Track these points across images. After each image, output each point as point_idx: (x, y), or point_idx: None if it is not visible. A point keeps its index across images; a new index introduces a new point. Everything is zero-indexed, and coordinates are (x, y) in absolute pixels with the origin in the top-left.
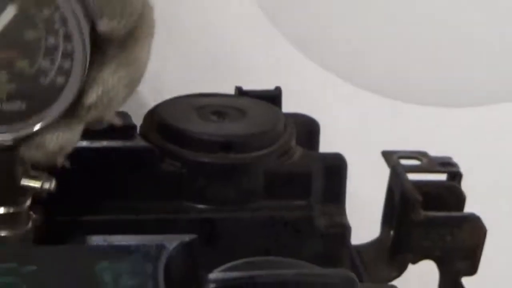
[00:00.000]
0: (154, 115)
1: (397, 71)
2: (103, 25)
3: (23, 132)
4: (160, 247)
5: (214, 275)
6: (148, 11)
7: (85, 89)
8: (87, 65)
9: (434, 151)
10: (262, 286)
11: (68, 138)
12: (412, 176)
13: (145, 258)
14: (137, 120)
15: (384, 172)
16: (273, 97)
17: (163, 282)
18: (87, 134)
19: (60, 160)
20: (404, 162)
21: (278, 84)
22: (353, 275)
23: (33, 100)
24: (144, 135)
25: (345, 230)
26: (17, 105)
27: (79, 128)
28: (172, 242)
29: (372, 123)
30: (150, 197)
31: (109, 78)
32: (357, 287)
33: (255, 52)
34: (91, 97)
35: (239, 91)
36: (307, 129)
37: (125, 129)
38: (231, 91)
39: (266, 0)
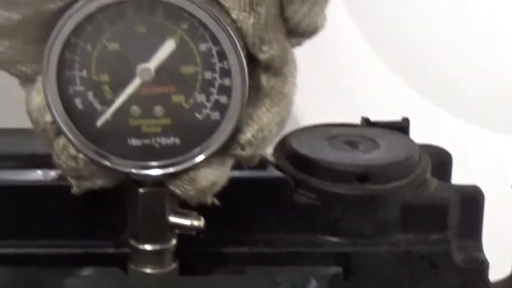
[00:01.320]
0: (285, 145)
1: None
2: (264, 53)
3: (176, 168)
4: (306, 280)
5: None
6: (290, 51)
7: (240, 126)
8: (246, 101)
9: None
10: None
11: (220, 174)
12: None
13: None
14: None
15: None
16: (402, 128)
17: None
18: None
19: (210, 197)
20: None
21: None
22: None
23: (187, 135)
24: (276, 164)
25: (484, 265)
26: (171, 140)
27: (230, 165)
28: (317, 275)
29: (503, 154)
30: (283, 229)
31: (264, 115)
32: None
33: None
34: (247, 135)
35: (366, 122)
36: (440, 160)
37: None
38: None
39: (378, 40)
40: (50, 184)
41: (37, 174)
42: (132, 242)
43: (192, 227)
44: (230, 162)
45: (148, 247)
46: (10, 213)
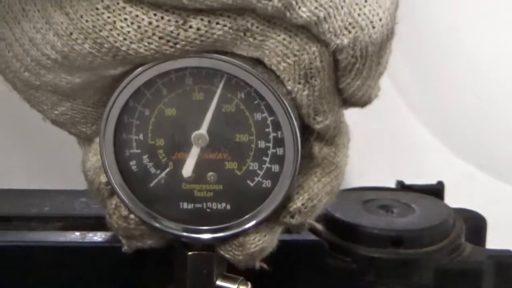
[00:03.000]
0: None
1: None
2: (318, 124)
3: (226, 233)
4: None
5: None
6: (343, 118)
7: (291, 194)
8: (297, 171)
9: None
10: None
11: (269, 241)
12: None
13: None
14: None
15: None
16: (436, 191)
17: None
18: None
19: (258, 262)
20: None
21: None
22: None
23: (238, 201)
24: (310, 228)
25: None
26: (223, 206)
27: (279, 232)
28: None
29: None
30: None
31: (315, 185)
32: None
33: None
34: (297, 203)
35: (401, 185)
36: (474, 224)
37: None
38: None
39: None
40: (92, 245)
41: (77, 236)
42: None
43: None
44: (279, 229)
45: None
46: (52, 272)
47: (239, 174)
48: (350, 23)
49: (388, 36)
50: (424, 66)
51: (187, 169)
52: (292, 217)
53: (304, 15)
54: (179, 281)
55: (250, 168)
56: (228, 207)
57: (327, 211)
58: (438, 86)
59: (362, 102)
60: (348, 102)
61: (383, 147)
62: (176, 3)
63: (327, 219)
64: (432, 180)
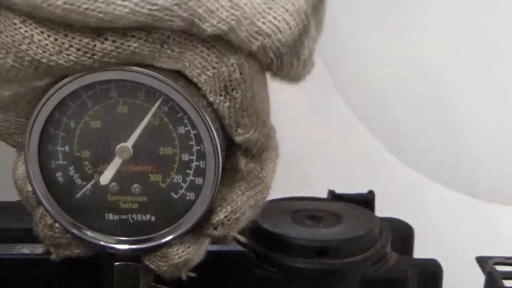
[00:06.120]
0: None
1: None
2: (239, 136)
3: (148, 244)
4: None
5: None
6: (273, 133)
7: (214, 207)
8: (218, 184)
9: None
10: None
11: (193, 252)
12: (508, 283)
13: None
14: None
15: (479, 278)
16: (367, 200)
17: None
18: None
19: (185, 273)
20: (500, 268)
21: (370, 186)
22: None
23: (162, 213)
24: (239, 240)
25: None
26: (147, 218)
27: (205, 243)
28: None
29: (465, 226)
30: None
31: (238, 198)
32: None
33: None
34: (219, 215)
35: (332, 195)
36: (401, 234)
37: None
38: (317, 191)
39: (357, 101)
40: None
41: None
42: None
43: None
44: (205, 241)
45: None
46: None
47: (163, 186)
48: (256, 31)
49: (300, 35)
50: (368, 72)
51: (105, 178)
52: (215, 229)
53: (209, 29)
54: None
55: (174, 180)
56: (153, 218)
57: (255, 222)
58: (384, 93)
59: (295, 82)
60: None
61: (331, 154)
62: (84, 24)
63: (255, 229)
64: (378, 188)
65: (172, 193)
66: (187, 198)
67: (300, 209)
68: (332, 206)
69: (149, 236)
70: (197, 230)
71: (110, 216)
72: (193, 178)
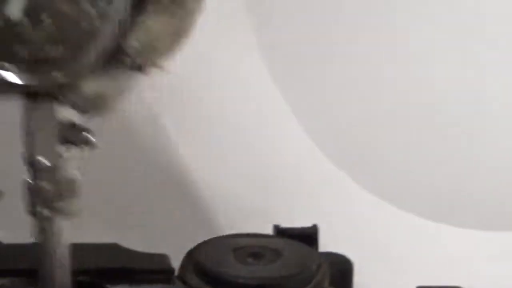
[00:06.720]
0: (193, 257)
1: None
2: None
3: (62, 78)
4: None
5: None
6: None
7: (127, 35)
8: (127, 9)
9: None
10: None
11: (106, 85)
12: None
13: None
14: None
15: None
16: (309, 235)
17: None
18: (126, 277)
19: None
20: None
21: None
22: None
23: (73, 44)
24: (182, 278)
25: None
26: (58, 50)
27: (121, 76)
28: None
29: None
30: None
31: (154, 24)
32: None
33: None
34: (132, 42)
35: (277, 230)
36: (341, 268)
37: (163, 273)
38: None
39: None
40: None
41: None
42: None
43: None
44: (122, 76)
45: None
46: None
47: (73, 16)
48: None
49: None
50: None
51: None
52: (128, 55)
53: None
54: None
55: (84, 8)
56: (62, 50)
57: (197, 260)
58: (339, 114)
59: None
60: None
61: (285, 181)
62: None
63: (197, 268)
64: (337, 215)
65: (82, 23)
66: (97, 26)
67: (242, 246)
68: (274, 242)
69: (61, 69)
70: (110, 63)
71: (18, 48)
72: (102, 6)
